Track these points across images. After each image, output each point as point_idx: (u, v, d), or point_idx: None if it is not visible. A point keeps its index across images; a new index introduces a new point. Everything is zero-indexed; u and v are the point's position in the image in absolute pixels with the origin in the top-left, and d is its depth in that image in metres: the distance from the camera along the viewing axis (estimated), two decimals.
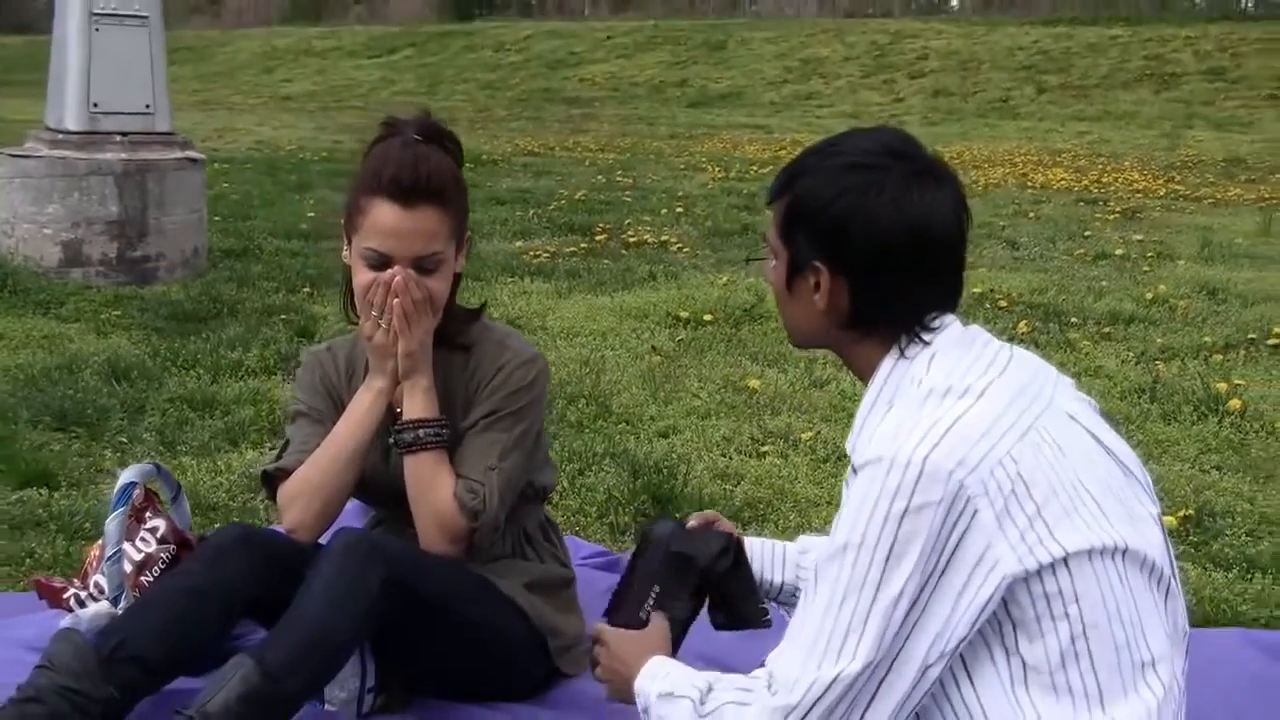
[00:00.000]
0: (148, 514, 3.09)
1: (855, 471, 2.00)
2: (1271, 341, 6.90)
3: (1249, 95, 24.91)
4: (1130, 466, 2.10)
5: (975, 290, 8.01)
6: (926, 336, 2.08)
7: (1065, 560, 1.92)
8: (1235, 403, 5.57)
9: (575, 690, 3.01)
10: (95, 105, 7.84)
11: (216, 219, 8.90)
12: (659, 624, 2.35)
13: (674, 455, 4.84)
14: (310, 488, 2.89)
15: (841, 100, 27.32)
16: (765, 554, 2.60)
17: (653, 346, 6.66)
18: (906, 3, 55.27)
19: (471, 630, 2.84)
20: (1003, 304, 7.78)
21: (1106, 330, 7.24)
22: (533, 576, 3.01)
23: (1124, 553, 1.96)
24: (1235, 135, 21.39)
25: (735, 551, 2.47)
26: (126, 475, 3.04)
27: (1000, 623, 1.95)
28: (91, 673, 2.54)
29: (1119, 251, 9.99)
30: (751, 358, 6.47)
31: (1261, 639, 3.35)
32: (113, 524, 2.97)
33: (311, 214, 11.01)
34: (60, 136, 7.87)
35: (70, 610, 3.02)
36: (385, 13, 55.02)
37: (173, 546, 3.08)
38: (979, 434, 1.94)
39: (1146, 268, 9.40)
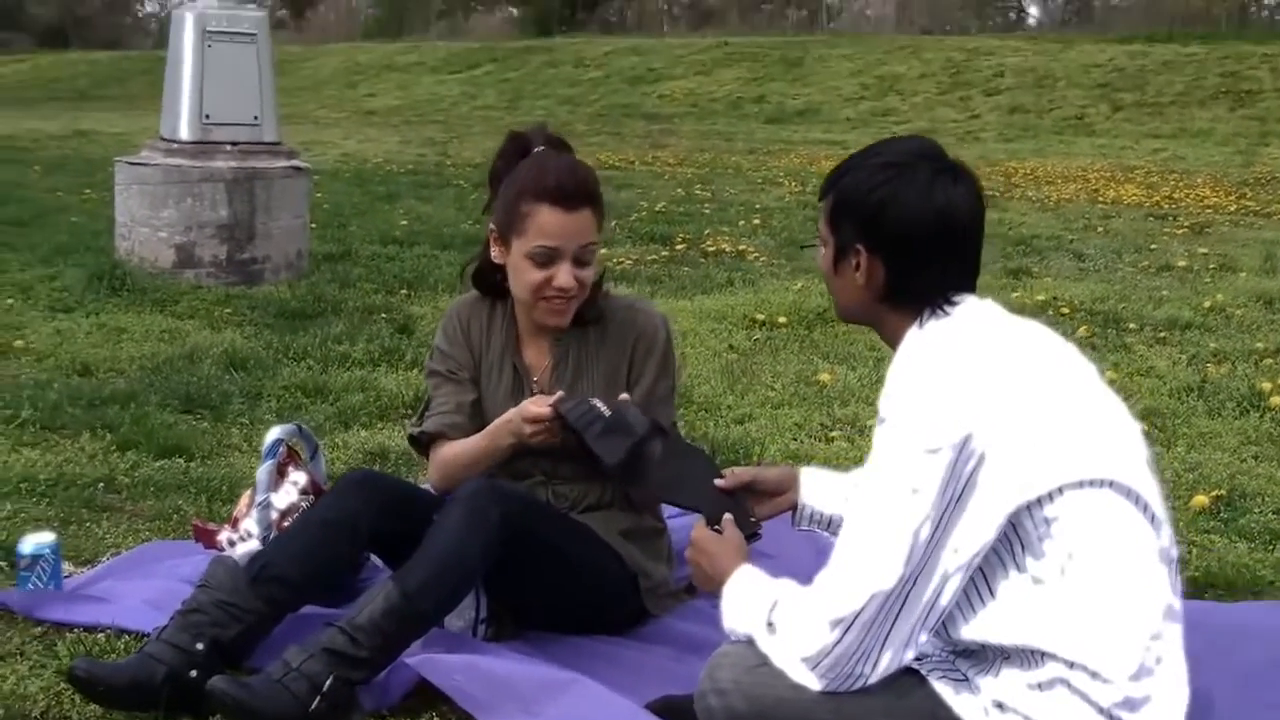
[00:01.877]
0: (290, 468, 3.54)
1: (882, 421, 2.42)
2: None
3: None
4: (1122, 415, 2.50)
5: (1039, 298, 8.35)
6: (947, 309, 2.50)
7: (1060, 490, 2.33)
8: (1277, 399, 5.88)
9: (661, 627, 3.43)
10: (207, 117, 8.36)
11: (314, 226, 9.41)
12: (736, 533, 2.78)
13: (749, 439, 5.22)
14: (448, 470, 3.38)
15: (918, 116, 27.42)
16: (822, 490, 3.02)
17: (730, 345, 7.06)
18: (983, 20, 55.32)
19: (572, 567, 3.25)
20: (1064, 310, 8.08)
21: (1162, 335, 7.53)
22: (627, 525, 3.43)
23: (1110, 484, 2.36)
24: None
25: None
26: (274, 433, 3.51)
27: (1010, 543, 2.36)
28: (242, 590, 3.03)
29: (1182, 263, 10.25)
30: (823, 356, 6.85)
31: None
32: (263, 473, 3.44)
33: (404, 222, 11.52)
34: (175, 146, 8.39)
35: (222, 550, 3.46)
36: (466, 29, 55.77)
37: (312, 497, 3.52)
38: (985, 387, 2.36)
39: (1208, 279, 9.66)
